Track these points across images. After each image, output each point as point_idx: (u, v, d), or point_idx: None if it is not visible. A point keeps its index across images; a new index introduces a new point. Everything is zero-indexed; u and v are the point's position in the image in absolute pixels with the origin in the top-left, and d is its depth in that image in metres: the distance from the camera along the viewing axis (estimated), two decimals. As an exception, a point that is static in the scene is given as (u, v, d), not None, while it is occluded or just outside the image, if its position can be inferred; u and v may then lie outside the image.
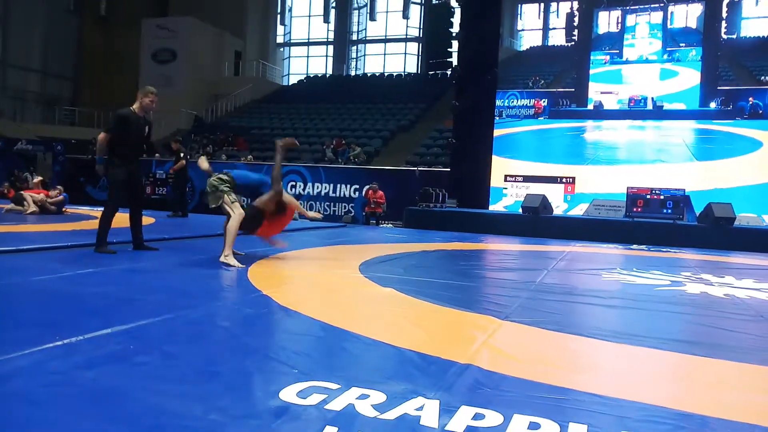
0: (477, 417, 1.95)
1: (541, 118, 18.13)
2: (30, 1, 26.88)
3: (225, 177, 5.67)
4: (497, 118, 16.07)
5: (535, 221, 11.72)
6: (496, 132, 15.40)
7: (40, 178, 12.30)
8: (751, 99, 16.45)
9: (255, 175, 6.08)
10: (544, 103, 18.84)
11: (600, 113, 16.88)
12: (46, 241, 6.36)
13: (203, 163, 6.07)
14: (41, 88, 28.12)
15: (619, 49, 19.89)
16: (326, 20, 34.99)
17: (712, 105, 16.21)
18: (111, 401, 1.98)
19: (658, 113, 16.22)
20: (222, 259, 5.41)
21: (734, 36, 20.50)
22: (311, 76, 33.79)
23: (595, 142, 16.62)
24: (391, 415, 1.94)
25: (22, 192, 10.93)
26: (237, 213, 5.46)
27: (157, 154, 20.11)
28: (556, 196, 14.16)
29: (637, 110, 16.54)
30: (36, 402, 1.95)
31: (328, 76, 33.57)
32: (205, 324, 3.15)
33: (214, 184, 5.59)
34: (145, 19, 28.62)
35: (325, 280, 5.03)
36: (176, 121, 25.52)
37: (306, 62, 35.84)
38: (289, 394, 2.09)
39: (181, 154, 11.94)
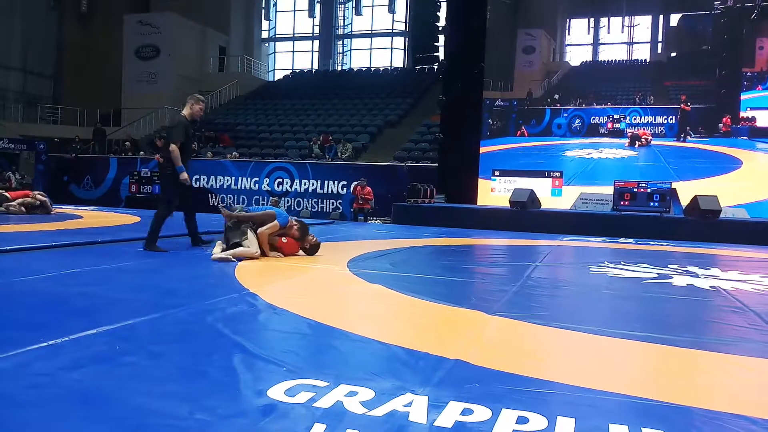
0: (465, 412, 1.95)
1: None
2: (9, -1, 26.49)
3: (245, 217, 5.96)
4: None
5: (523, 216, 11.76)
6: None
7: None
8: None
9: (283, 213, 6.22)
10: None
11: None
12: (29, 241, 6.29)
13: (224, 211, 6.18)
14: (22, 86, 27.72)
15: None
16: (311, 15, 34.83)
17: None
18: (96, 402, 1.96)
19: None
20: (214, 257, 5.50)
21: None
22: (297, 71, 33.62)
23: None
24: (380, 411, 1.94)
25: (5, 193, 10.73)
26: (254, 250, 5.70)
27: (141, 152, 19.96)
28: (543, 190, 14.21)
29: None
30: (20, 404, 1.93)
31: (313, 71, 33.42)
32: (191, 323, 3.13)
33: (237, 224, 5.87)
34: (127, 15, 28.29)
35: (313, 278, 5.01)
36: (160, 118, 25.30)
37: (291, 57, 35.69)
38: (277, 392, 2.08)
39: None
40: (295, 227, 6.06)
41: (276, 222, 5.89)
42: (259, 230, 5.82)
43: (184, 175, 6.12)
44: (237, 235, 5.75)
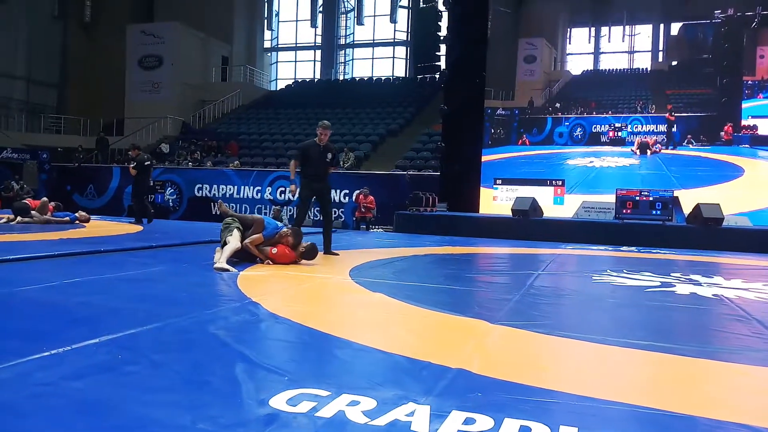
0: (468, 422, 1.95)
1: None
2: (13, 9, 26.66)
3: (237, 217, 6.28)
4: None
5: (526, 224, 11.75)
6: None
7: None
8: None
9: (272, 222, 6.40)
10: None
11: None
12: (32, 250, 6.30)
13: (222, 206, 6.74)
14: (26, 95, 27.87)
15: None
16: (313, 25, 34.98)
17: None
18: (99, 412, 1.96)
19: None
20: (216, 266, 5.45)
21: None
22: (299, 80, 33.76)
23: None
24: (382, 421, 1.94)
25: (26, 202, 10.63)
26: (234, 242, 5.84)
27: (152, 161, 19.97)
28: (546, 198, 14.20)
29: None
30: (23, 414, 1.92)
31: (316, 80, 33.55)
32: (193, 332, 3.12)
33: (229, 222, 6.09)
34: (131, 25, 28.45)
35: (315, 286, 5.01)
36: (163, 128, 25.40)
37: (294, 67, 35.82)
38: (278, 401, 2.07)
39: (146, 163, 11.97)
40: (288, 236, 6.06)
41: (259, 235, 5.95)
42: (244, 243, 5.90)
43: (292, 187, 7.56)
44: (227, 233, 5.91)
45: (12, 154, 20.57)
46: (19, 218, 10.05)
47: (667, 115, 18.39)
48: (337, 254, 7.16)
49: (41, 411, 1.95)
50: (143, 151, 20.61)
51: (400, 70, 33.77)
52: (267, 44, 35.39)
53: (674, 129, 18.46)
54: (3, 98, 26.64)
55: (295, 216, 7.46)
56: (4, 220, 10.07)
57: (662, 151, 17.52)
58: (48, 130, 26.85)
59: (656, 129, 18.65)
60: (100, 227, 10.33)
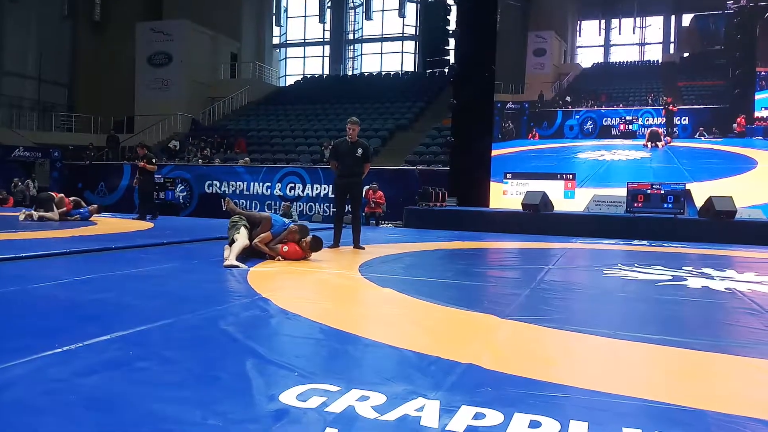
0: (477, 416, 1.94)
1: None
2: (24, 8, 26.85)
3: (245, 215, 6.28)
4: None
5: (536, 218, 11.70)
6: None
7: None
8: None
9: (280, 219, 6.42)
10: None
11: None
12: (44, 247, 6.35)
13: (230, 204, 6.71)
14: (37, 94, 28.08)
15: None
16: (322, 20, 34.99)
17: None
18: (111, 408, 1.98)
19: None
20: (226, 263, 5.47)
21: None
22: (308, 76, 33.79)
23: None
24: (392, 416, 1.94)
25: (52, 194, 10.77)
26: (242, 240, 5.87)
27: (154, 159, 20.09)
28: (556, 192, 14.13)
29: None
30: (36, 410, 1.94)
31: (324, 76, 33.57)
32: (204, 328, 3.14)
33: (236, 220, 6.12)
34: (140, 22, 28.57)
35: (325, 282, 5.02)
36: (173, 125, 25.51)
37: (302, 63, 35.86)
38: (288, 397, 2.08)
39: (153, 159, 12.04)
40: (296, 232, 6.07)
41: (268, 233, 5.97)
42: (253, 242, 5.93)
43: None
44: (234, 232, 5.94)
45: (24, 152, 20.77)
46: (36, 214, 10.12)
47: (669, 106, 18.21)
48: (364, 248, 7.35)
49: (54, 407, 1.97)
50: (154, 148, 20.75)
51: (409, 65, 33.74)
52: (275, 40, 35.45)
53: (685, 121, 18.29)
54: (14, 97, 26.87)
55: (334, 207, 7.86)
56: (23, 216, 10.15)
57: (670, 143, 17.37)
58: (59, 129, 27.05)
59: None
60: (111, 224, 10.40)
